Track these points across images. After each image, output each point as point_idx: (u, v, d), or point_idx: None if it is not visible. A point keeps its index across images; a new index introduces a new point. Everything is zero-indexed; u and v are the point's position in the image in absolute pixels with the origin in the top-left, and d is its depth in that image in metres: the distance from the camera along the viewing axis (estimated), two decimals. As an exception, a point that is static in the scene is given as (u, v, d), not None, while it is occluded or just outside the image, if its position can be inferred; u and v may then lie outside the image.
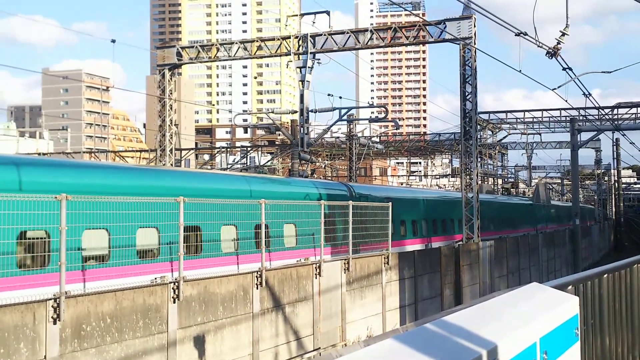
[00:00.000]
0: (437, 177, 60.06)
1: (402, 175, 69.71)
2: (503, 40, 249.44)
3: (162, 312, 8.51)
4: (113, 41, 21.63)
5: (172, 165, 23.47)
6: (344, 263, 12.68)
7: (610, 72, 14.06)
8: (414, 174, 71.43)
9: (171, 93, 23.60)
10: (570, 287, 3.16)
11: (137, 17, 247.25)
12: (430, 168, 64.18)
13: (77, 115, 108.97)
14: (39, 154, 48.47)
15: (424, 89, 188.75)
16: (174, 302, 8.70)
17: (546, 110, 40.87)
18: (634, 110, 36.90)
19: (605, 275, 3.78)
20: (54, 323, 7.14)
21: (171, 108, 23.57)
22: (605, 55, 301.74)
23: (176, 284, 8.75)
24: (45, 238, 8.22)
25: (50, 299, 7.16)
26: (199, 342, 9.15)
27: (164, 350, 8.50)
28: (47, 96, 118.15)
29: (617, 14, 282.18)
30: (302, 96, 21.91)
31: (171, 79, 23.66)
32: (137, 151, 52.41)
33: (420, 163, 79.20)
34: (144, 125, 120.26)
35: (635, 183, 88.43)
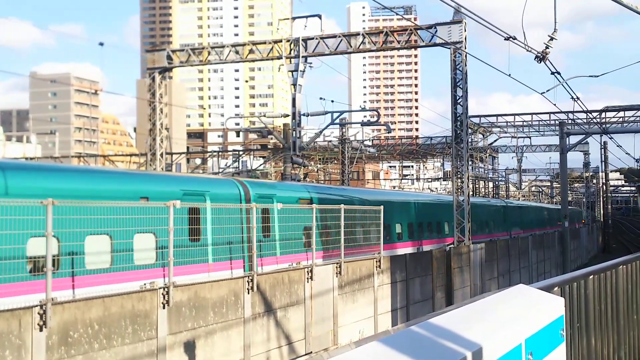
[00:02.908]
0: (429, 180, 60.30)
1: (394, 179, 69.89)
2: (484, 44, 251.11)
3: (151, 318, 8.46)
4: (101, 44, 21.58)
5: (162, 169, 23.37)
6: (336, 267, 12.67)
7: (598, 76, 14.22)
8: (407, 177, 71.65)
9: (162, 97, 23.53)
10: (556, 289, 3.18)
11: (115, 19, 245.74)
12: (423, 171, 64.37)
13: (66, 119, 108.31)
14: (26, 158, 48.09)
15: (416, 92, 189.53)
16: (164, 308, 8.65)
17: (535, 114, 41.18)
18: (621, 114, 37.30)
19: (591, 277, 3.81)
20: (40, 330, 7.06)
21: (162, 112, 23.50)
22: (584, 60, 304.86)
23: (166, 289, 8.70)
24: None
25: (36, 306, 7.08)
26: (189, 348, 9.10)
27: (153, 357, 8.44)
28: (34, 100, 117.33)
29: (594, 19, 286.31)
30: (294, 100, 21.93)
31: (162, 82, 23.60)
32: (127, 155, 52.20)
33: (412, 166, 79.46)
34: (135, 129, 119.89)
35: (622, 186, 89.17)
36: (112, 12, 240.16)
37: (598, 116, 36.89)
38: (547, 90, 14.41)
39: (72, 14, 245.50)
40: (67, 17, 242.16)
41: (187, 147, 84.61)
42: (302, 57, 21.27)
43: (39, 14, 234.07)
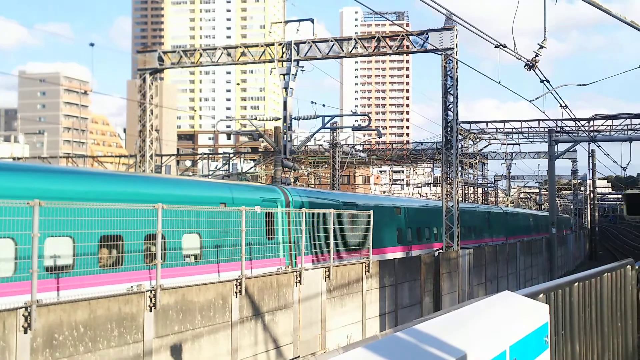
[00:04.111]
0: (419, 185, 60.56)
1: (384, 184, 70.08)
2: (472, 51, 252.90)
3: (138, 321, 8.40)
4: (92, 45, 21.46)
5: (152, 171, 23.25)
6: (325, 271, 12.67)
7: (586, 84, 14.32)
8: (397, 182, 71.87)
9: (152, 98, 23.43)
10: (541, 296, 3.20)
11: (101, 18, 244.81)
12: (413, 176, 64.64)
13: (55, 119, 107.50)
14: (14, 158, 47.69)
15: (407, 98, 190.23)
16: (151, 311, 8.59)
17: (525, 121, 41.51)
18: (609, 122, 37.72)
19: (575, 284, 3.84)
20: (25, 332, 6.99)
21: (152, 113, 23.39)
22: (570, 68, 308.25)
23: (153, 292, 8.65)
24: None
25: (21, 308, 7.02)
26: (176, 351, 9.05)
27: None
28: (23, 99, 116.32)
29: (579, 28, 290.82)
30: (285, 103, 21.94)
31: (152, 83, 23.50)
32: (116, 157, 51.92)
33: (402, 171, 79.70)
34: (124, 130, 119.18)
35: (610, 193, 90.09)
36: (98, 11, 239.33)
37: (586, 124, 37.27)
38: (537, 98, 14.53)
39: (58, 13, 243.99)
40: (53, 17, 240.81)
41: (178, 149, 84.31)
42: (294, 60, 21.29)
43: (25, 12, 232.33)
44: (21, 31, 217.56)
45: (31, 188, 9.22)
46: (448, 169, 20.22)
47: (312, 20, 22.50)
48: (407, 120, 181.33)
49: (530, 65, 11.80)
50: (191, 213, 10.89)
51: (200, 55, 22.93)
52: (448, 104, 19.86)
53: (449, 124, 19.95)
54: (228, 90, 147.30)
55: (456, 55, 19.43)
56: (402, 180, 75.47)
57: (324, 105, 29.27)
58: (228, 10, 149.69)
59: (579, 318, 3.84)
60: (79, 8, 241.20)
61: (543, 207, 64.13)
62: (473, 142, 44.59)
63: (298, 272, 11.84)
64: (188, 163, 58.44)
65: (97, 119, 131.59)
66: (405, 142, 66.80)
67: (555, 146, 33.50)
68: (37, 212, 7.33)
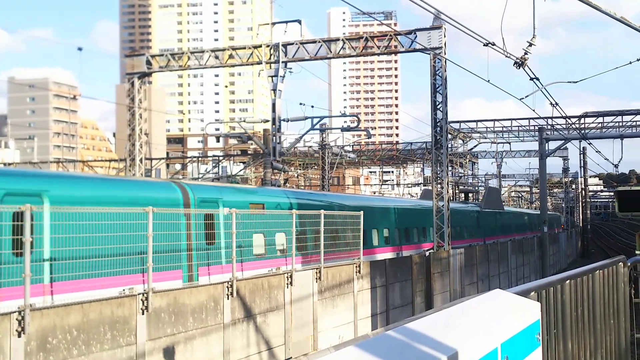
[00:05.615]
0: (409, 185, 60.76)
1: (374, 184, 70.22)
2: (456, 50, 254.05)
3: (130, 324, 8.37)
4: (80, 49, 21.36)
5: (142, 175, 23.14)
6: (316, 272, 12.66)
7: (576, 82, 14.38)
8: (387, 182, 72.02)
9: (141, 102, 23.32)
10: (532, 294, 3.21)
11: (83, 22, 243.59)
12: (403, 177, 64.83)
13: (44, 125, 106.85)
14: (5, 164, 47.30)
15: (396, 98, 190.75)
16: (143, 314, 8.56)
17: (515, 119, 41.73)
18: (600, 119, 37.91)
19: (567, 281, 3.85)
20: (19, 336, 6.98)
21: (141, 117, 23.28)
22: (556, 66, 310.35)
23: (145, 295, 8.62)
24: None
25: (15, 312, 7.00)
26: (169, 354, 9.01)
27: (131, 363, 8.34)
28: (12, 105, 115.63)
29: (563, 25, 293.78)
30: (274, 105, 21.92)
31: (141, 87, 23.39)
32: (106, 161, 51.62)
33: (392, 172, 79.90)
34: (114, 135, 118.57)
35: (601, 191, 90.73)
36: (80, 15, 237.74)
37: (577, 122, 37.42)
38: (526, 96, 14.59)
39: (40, 17, 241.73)
40: (35, 21, 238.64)
41: (167, 153, 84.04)
42: (282, 62, 21.28)
43: (6, 17, 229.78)
44: (4, 36, 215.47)
45: None
46: (438, 168, 20.28)
47: (299, 22, 22.51)
48: (397, 120, 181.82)
49: (520, 63, 11.85)
50: None
51: (188, 58, 22.86)
52: (437, 103, 19.93)
53: (438, 124, 20.01)
54: (217, 93, 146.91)
55: (445, 54, 19.51)
56: (392, 180, 75.64)
57: (312, 107, 29.29)
58: (215, 13, 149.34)
59: (571, 316, 3.85)
60: (60, 12, 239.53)
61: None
62: (463, 141, 44.75)
63: (289, 274, 11.83)
64: (178, 166, 58.18)
65: (87, 123, 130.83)
66: (394, 142, 66.93)
67: (546, 144, 33.70)
68: (28, 217, 7.29)
